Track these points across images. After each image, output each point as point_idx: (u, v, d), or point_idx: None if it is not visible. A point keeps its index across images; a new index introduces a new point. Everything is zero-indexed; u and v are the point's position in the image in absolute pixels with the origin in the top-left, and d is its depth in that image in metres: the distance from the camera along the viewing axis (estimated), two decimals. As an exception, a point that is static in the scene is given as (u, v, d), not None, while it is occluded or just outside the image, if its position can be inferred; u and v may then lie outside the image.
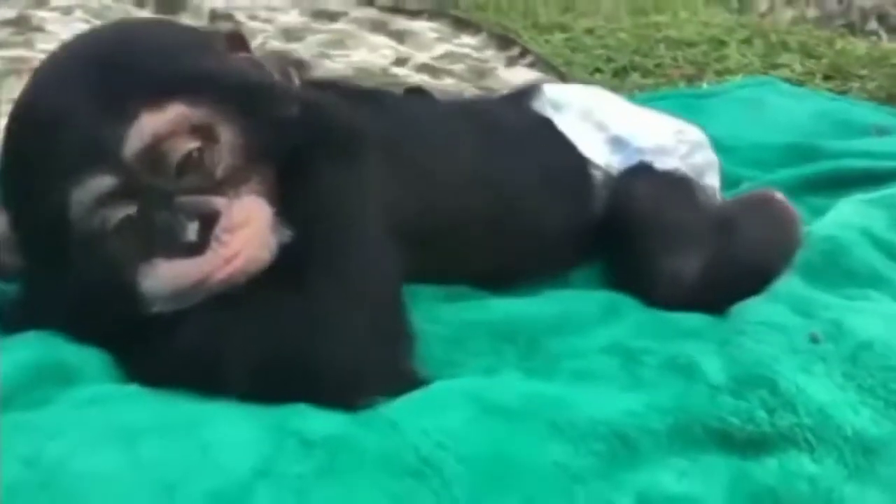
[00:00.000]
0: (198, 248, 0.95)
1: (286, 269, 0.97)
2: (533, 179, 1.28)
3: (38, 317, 1.00)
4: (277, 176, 1.01)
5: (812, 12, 3.90)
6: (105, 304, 0.96)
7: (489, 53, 2.60)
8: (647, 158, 1.37)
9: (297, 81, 1.10)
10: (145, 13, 2.80)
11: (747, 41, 3.08)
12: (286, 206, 0.99)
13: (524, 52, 2.58)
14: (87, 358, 0.96)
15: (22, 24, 2.52)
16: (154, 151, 0.95)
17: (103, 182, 0.95)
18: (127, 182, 0.95)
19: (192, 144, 0.97)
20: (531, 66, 2.50)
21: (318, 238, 0.99)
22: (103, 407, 0.86)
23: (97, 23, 2.58)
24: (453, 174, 1.20)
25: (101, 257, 0.97)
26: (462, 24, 2.88)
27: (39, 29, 2.51)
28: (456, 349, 1.06)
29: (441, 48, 2.59)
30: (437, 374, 0.99)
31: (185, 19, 2.71)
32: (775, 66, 2.85)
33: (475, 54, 2.57)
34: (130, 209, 0.96)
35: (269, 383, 0.91)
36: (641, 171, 1.35)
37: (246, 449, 0.81)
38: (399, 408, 0.88)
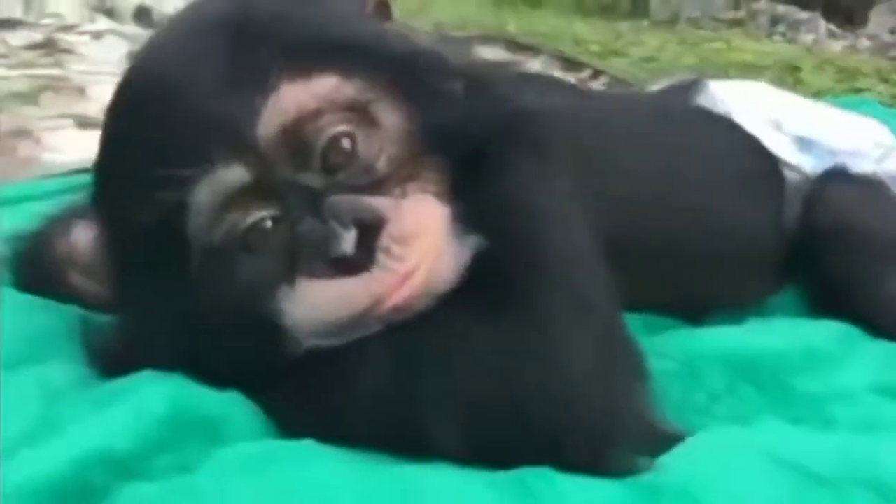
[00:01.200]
0: (359, 265, 0.71)
1: (479, 289, 0.72)
2: (726, 184, 1.05)
3: (147, 354, 0.75)
4: (453, 170, 0.76)
5: (864, 43, 3.76)
6: (238, 341, 0.72)
7: (558, 75, 2.39)
8: (841, 161, 1.14)
9: (461, 55, 0.86)
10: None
11: (819, 67, 2.90)
12: (468, 207, 0.75)
13: (596, 74, 2.37)
14: (229, 405, 0.71)
15: (50, 47, 2.31)
16: (297, 135, 0.72)
17: (231, 175, 0.71)
18: (262, 176, 0.71)
19: (344, 127, 0.73)
20: (609, 87, 2.29)
21: (519, 247, 0.75)
22: (281, 468, 0.61)
23: (128, 46, 2.41)
24: (646, 180, 0.96)
25: (230, 278, 0.73)
26: (517, 48, 2.68)
27: (68, 51, 2.30)
28: (687, 387, 0.81)
29: (507, 69, 2.39)
30: (681, 421, 0.75)
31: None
32: (856, 91, 2.67)
33: (545, 76, 2.36)
34: (267, 213, 0.72)
35: (488, 439, 0.67)
36: (839, 176, 1.13)
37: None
38: (680, 471, 0.64)
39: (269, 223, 0.73)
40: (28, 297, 0.87)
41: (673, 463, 0.66)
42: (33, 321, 0.82)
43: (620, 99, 1.18)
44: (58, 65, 2.15)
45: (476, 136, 0.76)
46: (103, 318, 0.83)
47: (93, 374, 0.77)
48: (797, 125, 1.18)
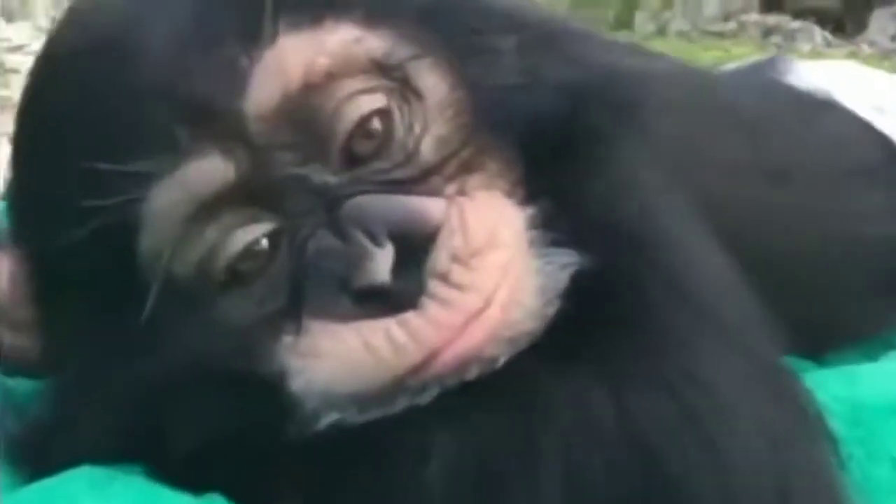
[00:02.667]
0: (400, 299, 0.48)
1: (583, 330, 0.49)
2: (848, 178, 0.82)
3: (85, 440, 0.51)
4: (529, 158, 0.53)
5: (865, 49, 3.64)
6: (218, 414, 0.49)
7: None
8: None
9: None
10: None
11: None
12: (556, 211, 0.52)
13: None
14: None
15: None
16: (304, 110, 0.49)
17: (206, 171, 0.48)
18: (255, 171, 0.49)
19: (376, 101, 0.50)
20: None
21: (642, 267, 0.52)
22: None
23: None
24: (760, 172, 0.74)
25: (206, 323, 0.50)
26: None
27: (14, 71, 2.11)
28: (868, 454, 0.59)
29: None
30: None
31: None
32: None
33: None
34: (261, 226, 0.49)
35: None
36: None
37: None
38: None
39: (264, 242, 0.50)
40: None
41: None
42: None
43: (713, 76, 0.95)
44: (4, 85, 1.97)
45: (557, 109, 0.53)
46: (27, 388, 0.59)
47: (9, 472, 0.52)
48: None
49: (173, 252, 0.49)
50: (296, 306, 0.49)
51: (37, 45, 2.46)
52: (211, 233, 0.49)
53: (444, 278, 0.48)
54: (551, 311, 0.49)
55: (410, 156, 0.51)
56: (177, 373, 0.50)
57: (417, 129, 0.51)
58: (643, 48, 0.83)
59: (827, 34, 3.90)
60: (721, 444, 0.46)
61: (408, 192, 0.50)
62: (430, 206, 0.50)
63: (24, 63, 2.29)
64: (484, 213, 0.50)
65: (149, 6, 0.51)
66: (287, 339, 0.49)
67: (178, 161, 0.47)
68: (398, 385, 0.48)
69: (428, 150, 0.51)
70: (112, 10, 0.52)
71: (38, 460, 0.52)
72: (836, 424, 0.60)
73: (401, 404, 0.48)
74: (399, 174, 0.51)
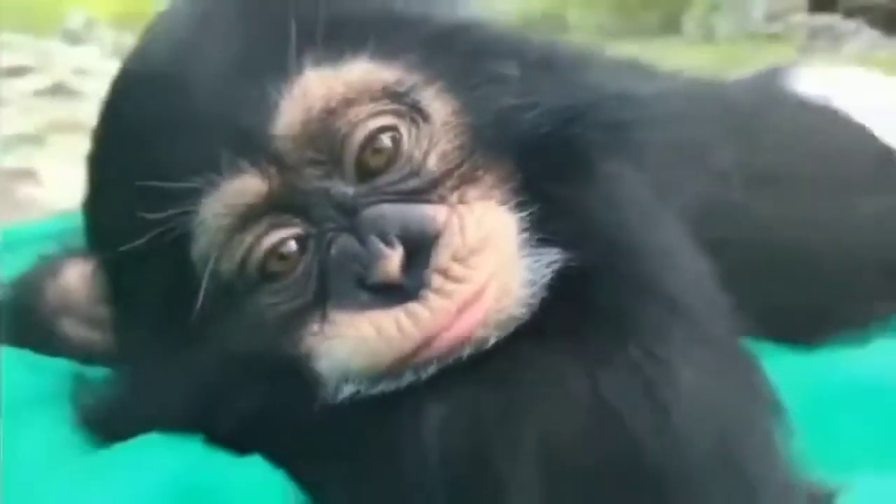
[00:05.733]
0: (408, 291, 0.57)
1: (563, 317, 0.57)
2: (842, 178, 0.89)
3: (150, 413, 0.61)
4: (522, 169, 0.61)
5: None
6: (257, 390, 0.58)
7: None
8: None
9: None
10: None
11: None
12: (544, 216, 0.60)
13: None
14: (252, 476, 0.56)
15: (58, 91, 2.23)
16: (325, 131, 0.58)
17: (243, 186, 0.57)
18: (283, 185, 0.58)
19: (384, 121, 0.59)
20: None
21: (613, 269, 0.59)
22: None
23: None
24: (752, 179, 0.80)
25: (246, 314, 0.59)
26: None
27: (80, 95, 2.22)
28: (818, 432, 0.65)
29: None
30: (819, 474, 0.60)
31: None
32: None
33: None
34: (290, 231, 0.58)
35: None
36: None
37: None
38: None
39: (292, 244, 0.58)
40: (12, 354, 0.73)
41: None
42: (17, 382, 0.68)
43: (715, 86, 1.02)
44: (68, 110, 2.08)
45: (550, 128, 0.61)
46: (99, 374, 0.69)
47: (86, 440, 0.62)
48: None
49: (219, 255, 0.58)
50: (321, 299, 0.58)
51: (100, 67, 2.57)
52: (248, 238, 0.58)
53: (445, 273, 0.56)
54: (536, 300, 0.57)
55: (417, 169, 0.59)
56: (224, 357, 0.59)
57: (424, 146, 0.59)
58: (644, 65, 0.89)
59: (876, 34, 3.86)
60: (675, 413, 0.54)
61: (415, 201, 0.58)
62: (435, 213, 0.58)
63: (88, 85, 2.40)
64: (480, 219, 0.58)
65: (198, 45, 0.59)
66: (314, 327, 0.58)
67: (220, 179, 0.56)
68: (404, 362, 0.56)
69: (433, 164, 0.59)
70: (168, 49, 0.61)
71: (107, 431, 0.61)
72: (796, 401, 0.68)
73: (407, 378, 0.56)
74: (408, 185, 0.59)
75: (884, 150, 0.96)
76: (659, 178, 0.67)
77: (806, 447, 0.63)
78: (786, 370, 0.73)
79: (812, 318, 0.84)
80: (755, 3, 4.12)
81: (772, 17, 4.10)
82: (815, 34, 3.88)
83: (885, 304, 0.89)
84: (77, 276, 0.77)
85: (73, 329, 0.76)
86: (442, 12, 0.65)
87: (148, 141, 0.59)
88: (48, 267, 0.80)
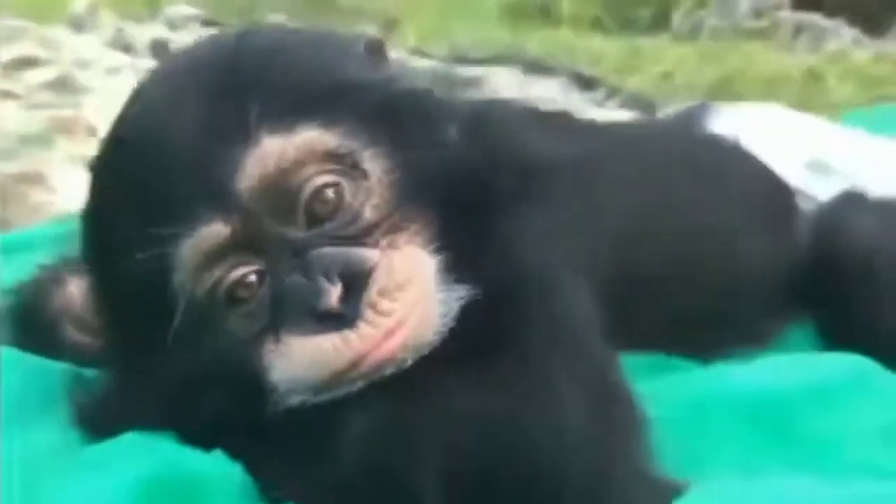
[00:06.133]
0: (344, 319, 0.69)
1: (468, 344, 0.70)
2: (732, 214, 1.01)
3: (131, 414, 0.74)
4: (443, 217, 0.74)
5: (892, 49, 3.69)
6: (223, 398, 0.72)
7: (576, 97, 2.37)
8: (857, 184, 1.10)
9: (454, 96, 0.84)
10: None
11: (843, 75, 2.86)
12: (457, 258, 0.73)
13: (612, 92, 2.35)
14: (214, 468, 0.69)
15: (64, 85, 2.33)
16: (278, 187, 0.70)
17: (212, 232, 0.70)
18: (246, 231, 0.70)
19: (328, 178, 0.72)
20: (624, 106, 2.27)
21: (509, 300, 0.72)
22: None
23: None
24: (648, 216, 0.94)
25: (215, 333, 0.72)
26: (535, 69, 2.65)
27: (83, 89, 2.32)
28: (691, 435, 0.78)
29: (524, 94, 2.37)
30: (685, 474, 0.72)
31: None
32: (883, 99, 2.63)
33: (561, 98, 2.35)
34: (251, 267, 0.71)
35: (473, 499, 0.66)
36: (852, 201, 1.09)
37: None
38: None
39: (253, 277, 0.71)
40: (19, 356, 0.86)
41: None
42: (23, 382, 0.81)
43: (626, 130, 1.14)
44: (73, 104, 2.16)
45: (466, 183, 0.74)
46: (93, 376, 0.82)
47: (79, 436, 0.75)
48: (812, 149, 1.15)
49: (193, 285, 0.71)
50: (275, 324, 0.71)
51: (105, 61, 2.66)
52: (217, 272, 0.71)
53: (374, 307, 0.69)
54: (446, 328, 0.70)
55: (356, 218, 0.72)
56: (194, 368, 0.72)
57: (361, 199, 0.72)
58: (567, 117, 1.02)
59: (858, 33, 3.95)
60: (554, 423, 0.67)
61: (354, 244, 0.71)
62: (369, 255, 0.71)
63: (94, 80, 2.49)
64: (405, 261, 0.71)
65: (176, 117, 0.72)
66: (269, 346, 0.71)
67: (195, 226, 0.69)
68: (339, 378, 0.69)
69: (369, 214, 0.72)
70: (152, 120, 0.73)
71: (97, 427, 0.75)
72: (673, 411, 0.80)
73: (342, 391, 0.70)
74: (348, 231, 0.71)
75: (784, 190, 1.09)
76: (564, 221, 0.80)
77: (681, 450, 0.77)
78: (676, 381, 0.87)
79: (709, 335, 0.97)
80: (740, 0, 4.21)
81: (758, 13, 4.20)
82: (798, 31, 3.97)
83: (775, 321, 1.02)
84: (78, 287, 0.90)
85: (74, 334, 0.89)
86: (385, 82, 0.77)
87: (138, 194, 0.72)
88: (54, 275, 0.93)
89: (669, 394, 0.82)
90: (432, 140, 0.75)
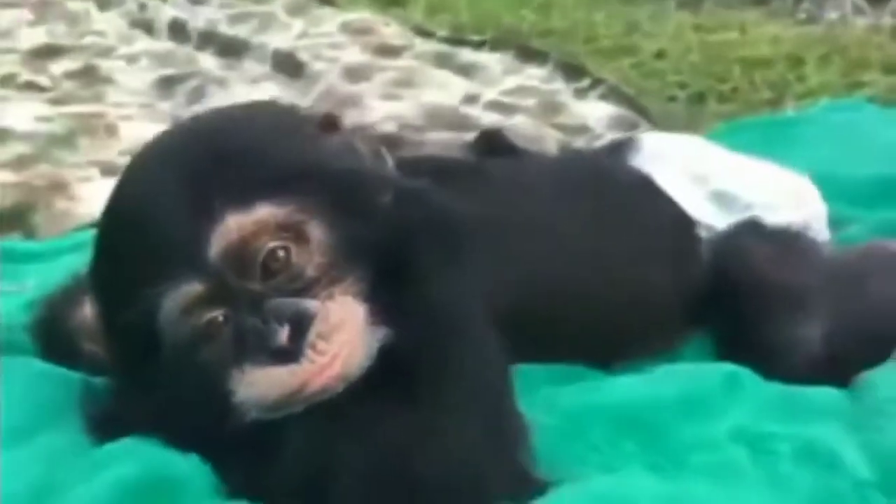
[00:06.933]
0: (291, 355, 0.89)
1: (388, 374, 0.91)
2: (636, 247, 1.20)
3: (129, 423, 0.96)
4: (373, 272, 0.94)
5: (888, 20, 3.76)
6: (198, 412, 0.92)
7: (558, 86, 2.53)
8: (756, 214, 1.28)
9: (390, 163, 1.04)
10: (207, 56, 2.75)
11: (825, 58, 2.97)
12: (384, 305, 0.93)
13: (595, 83, 2.50)
14: (190, 468, 0.91)
15: (88, 76, 2.50)
16: (240, 252, 0.90)
17: (190, 288, 0.90)
18: (215, 286, 0.90)
19: (276, 243, 0.91)
20: (603, 97, 2.42)
21: (422, 340, 0.92)
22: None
23: (164, 72, 2.61)
24: (554, 252, 1.13)
25: (192, 364, 0.92)
26: (527, 54, 2.80)
27: (105, 80, 2.49)
28: (572, 442, 0.98)
29: (510, 81, 2.53)
30: (556, 472, 0.93)
31: (249, 62, 2.68)
32: (860, 85, 2.74)
33: (544, 87, 2.50)
34: (220, 313, 0.91)
35: (381, 500, 0.86)
36: (749, 229, 1.27)
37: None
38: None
39: (221, 320, 0.92)
40: (41, 367, 1.07)
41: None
42: (44, 391, 1.03)
43: (540, 167, 1.33)
44: (95, 98, 2.32)
45: (392, 245, 0.94)
46: (104, 386, 1.03)
47: (90, 440, 0.97)
48: (721, 180, 1.32)
49: (175, 327, 0.91)
50: (239, 357, 0.91)
51: (125, 49, 2.81)
52: (193, 317, 0.91)
53: (314, 346, 0.89)
54: (369, 365, 0.91)
55: (300, 275, 0.91)
56: (178, 388, 0.93)
57: (305, 259, 0.91)
58: (487, 169, 1.21)
59: (859, 1, 4.02)
60: (449, 443, 0.88)
61: (300, 296, 0.91)
62: (310, 305, 0.90)
63: (116, 70, 2.65)
64: (340, 309, 0.91)
65: (159, 197, 0.92)
66: (235, 374, 0.91)
67: (175, 284, 0.89)
68: (287, 400, 0.90)
69: (311, 271, 0.91)
70: (140, 197, 0.94)
71: (103, 432, 0.97)
72: (556, 420, 1.00)
73: (288, 410, 0.90)
74: (294, 285, 0.91)
75: (687, 221, 1.26)
76: (472, 270, 0.99)
77: (559, 453, 0.97)
78: (566, 391, 1.06)
79: (612, 349, 1.16)
80: (745, -33, 4.27)
81: (760, -19, 4.27)
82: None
83: (675, 337, 1.21)
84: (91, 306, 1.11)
85: (90, 347, 1.09)
86: (329, 160, 0.96)
87: (131, 259, 0.93)
88: (74, 294, 1.12)
89: (555, 404, 1.01)
90: (365, 210, 0.95)
